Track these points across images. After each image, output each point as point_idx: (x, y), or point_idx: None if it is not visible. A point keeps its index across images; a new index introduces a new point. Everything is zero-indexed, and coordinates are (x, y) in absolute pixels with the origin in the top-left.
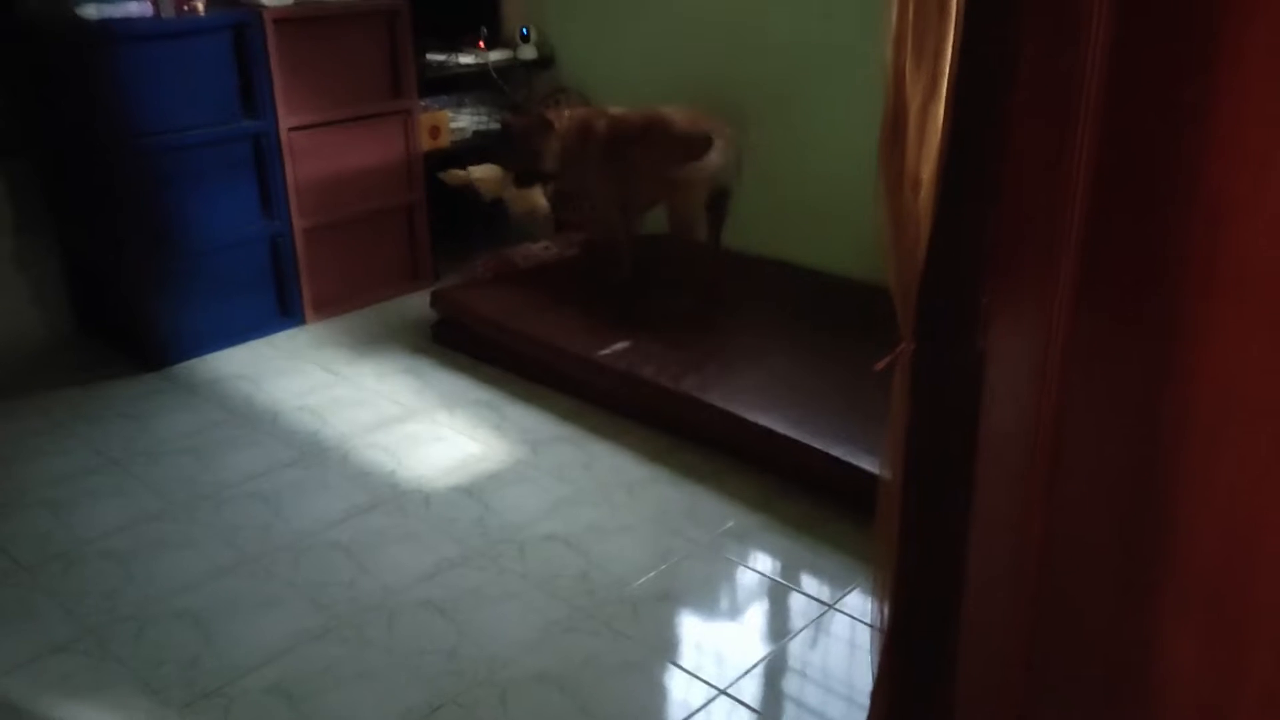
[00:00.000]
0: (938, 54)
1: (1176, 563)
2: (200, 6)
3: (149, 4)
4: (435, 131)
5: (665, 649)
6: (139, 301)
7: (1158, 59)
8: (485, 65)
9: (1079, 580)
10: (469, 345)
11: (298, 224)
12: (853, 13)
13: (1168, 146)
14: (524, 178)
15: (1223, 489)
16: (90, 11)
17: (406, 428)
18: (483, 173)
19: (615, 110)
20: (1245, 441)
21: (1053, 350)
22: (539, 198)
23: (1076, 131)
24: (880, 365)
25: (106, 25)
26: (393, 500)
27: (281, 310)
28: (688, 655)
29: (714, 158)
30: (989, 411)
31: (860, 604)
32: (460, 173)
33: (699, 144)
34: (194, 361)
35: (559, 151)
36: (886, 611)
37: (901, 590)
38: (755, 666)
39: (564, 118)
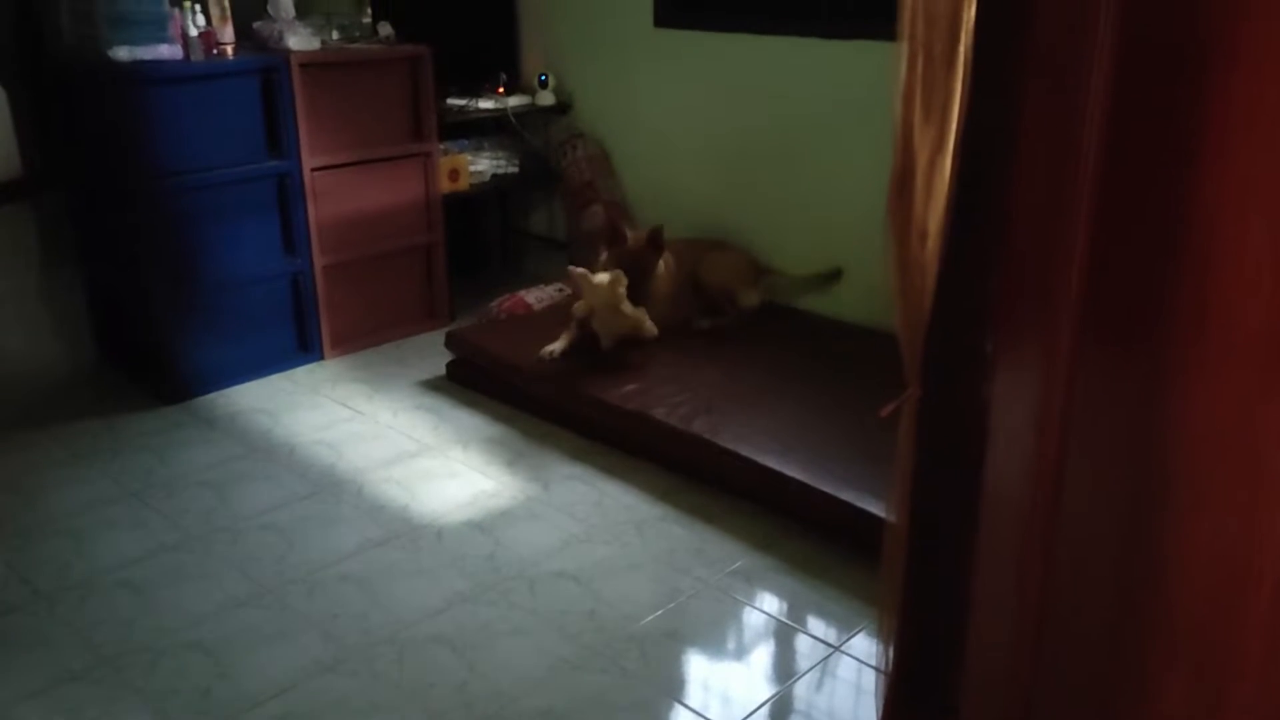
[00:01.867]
0: (945, 110)
1: (1167, 603)
2: (229, 50)
3: (179, 47)
4: (455, 174)
5: (672, 688)
6: (161, 336)
7: (1150, 126)
8: (504, 110)
9: (1077, 623)
10: (483, 384)
11: (318, 262)
12: (863, 69)
13: (1161, 204)
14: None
15: (1209, 532)
16: (122, 54)
17: (421, 463)
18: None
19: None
20: (1229, 487)
21: (1053, 398)
22: (643, 317)
23: (1075, 188)
24: (886, 411)
25: (138, 67)
26: (406, 535)
27: (300, 346)
28: (694, 695)
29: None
30: (993, 457)
31: (866, 647)
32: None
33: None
34: (214, 395)
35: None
36: (892, 655)
37: (907, 634)
38: (761, 707)
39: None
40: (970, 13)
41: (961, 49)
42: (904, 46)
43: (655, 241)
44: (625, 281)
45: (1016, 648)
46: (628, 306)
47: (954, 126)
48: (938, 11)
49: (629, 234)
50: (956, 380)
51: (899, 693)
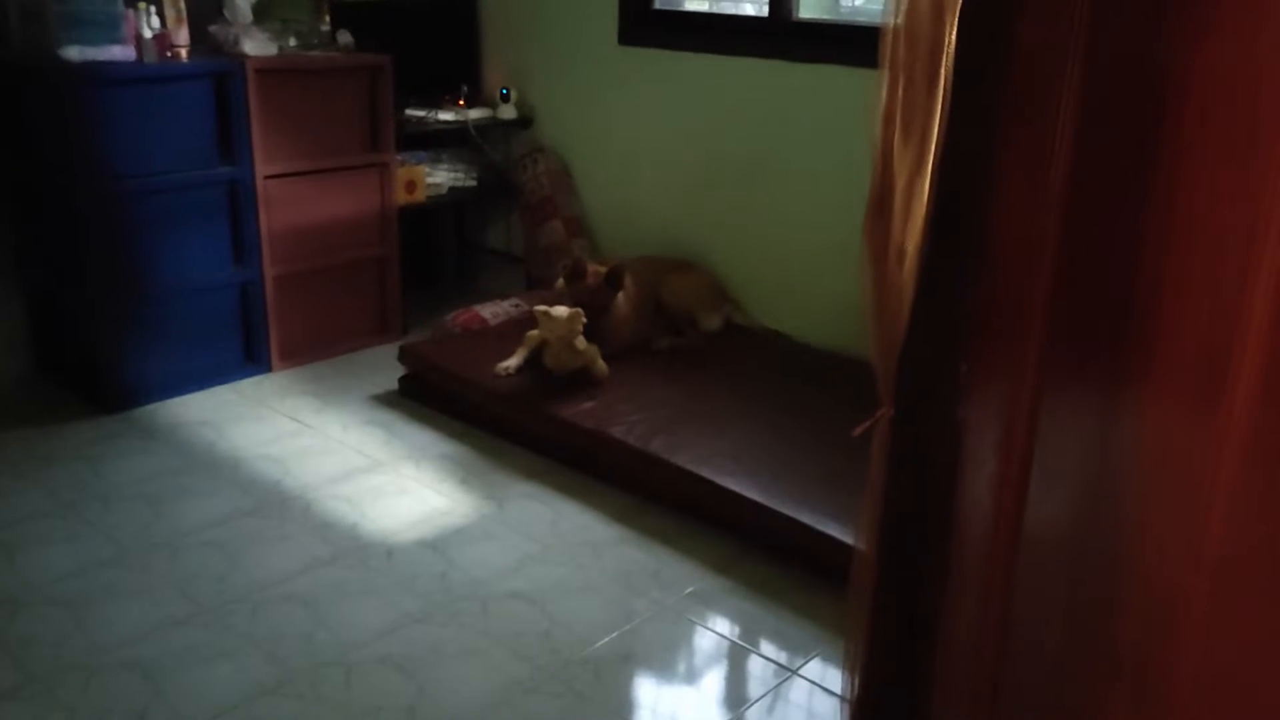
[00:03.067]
0: (924, 132)
1: (1112, 628)
2: (184, 53)
3: (133, 48)
4: (411, 186)
5: (626, 712)
6: (101, 343)
7: (1109, 160)
8: (465, 123)
9: (1036, 648)
10: (437, 399)
11: (269, 272)
12: (828, 93)
13: (1120, 232)
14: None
15: (1151, 553)
16: (73, 53)
17: (371, 480)
18: (557, 314)
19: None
20: (1169, 508)
21: (1018, 421)
22: (595, 356)
23: (1043, 214)
24: (859, 430)
25: (89, 67)
26: (354, 553)
27: (247, 357)
28: (649, 719)
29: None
30: (961, 479)
31: (822, 671)
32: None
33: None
34: (155, 406)
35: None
36: (856, 683)
37: (872, 662)
38: None
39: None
40: (952, 36)
41: (942, 73)
42: (884, 69)
43: (614, 280)
44: (583, 319)
45: (979, 674)
46: (581, 343)
47: (933, 149)
48: (919, 35)
49: (590, 269)
50: (929, 400)
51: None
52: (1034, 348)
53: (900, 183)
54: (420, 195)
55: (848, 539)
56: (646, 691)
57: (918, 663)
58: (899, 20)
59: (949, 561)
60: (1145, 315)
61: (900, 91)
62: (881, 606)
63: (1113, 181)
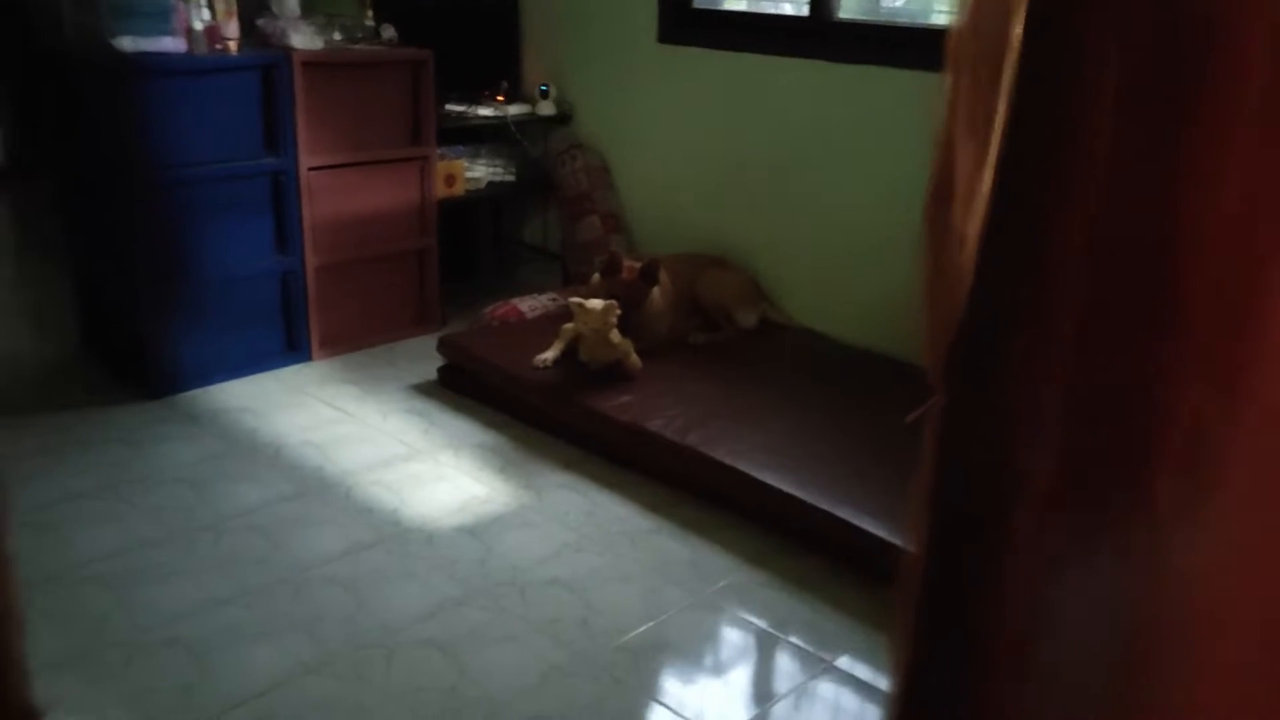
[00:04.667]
0: (987, 123)
1: (1148, 644)
2: (233, 46)
3: (183, 40)
4: (451, 179)
5: (665, 699)
6: (147, 329)
7: (1139, 167)
8: (504, 118)
9: (1081, 657)
10: (474, 390)
11: (311, 262)
12: (869, 94)
13: (1149, 234)
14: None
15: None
16: (126, 44)
17: (410, 467)
18: (593, 306)
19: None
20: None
21: (1050, 408)
22: (630, 349)
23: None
24: (912, 418)
25: (141, 58)
26: (395, 538)
27: (288, 345)
28: (687, 706)
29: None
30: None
31: (857, 665)
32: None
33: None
34: (197, 392)
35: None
36: (899, 685)
37: (918, 665)
38: None
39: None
40: (1018, 29)
41: (1007, 65)
42: (949, 60)
43: (649, 275)
44: (618, 311)
45: (1024, 680)
46: (616, 336)
47: (995, 140)
48: (985, 27)
49: (625, 264)
50: (986, 386)
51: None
52: (1068, 335)
53: (963, 172)
54: (459, 189)
55: (882, 533)
56: (683, 680)
57: (967, 666)
58: (965, 9)
59: (1002, 563)
60: (1169, 302)
61: (965, 82)
62: (930, 610)
63: (1142, 180)
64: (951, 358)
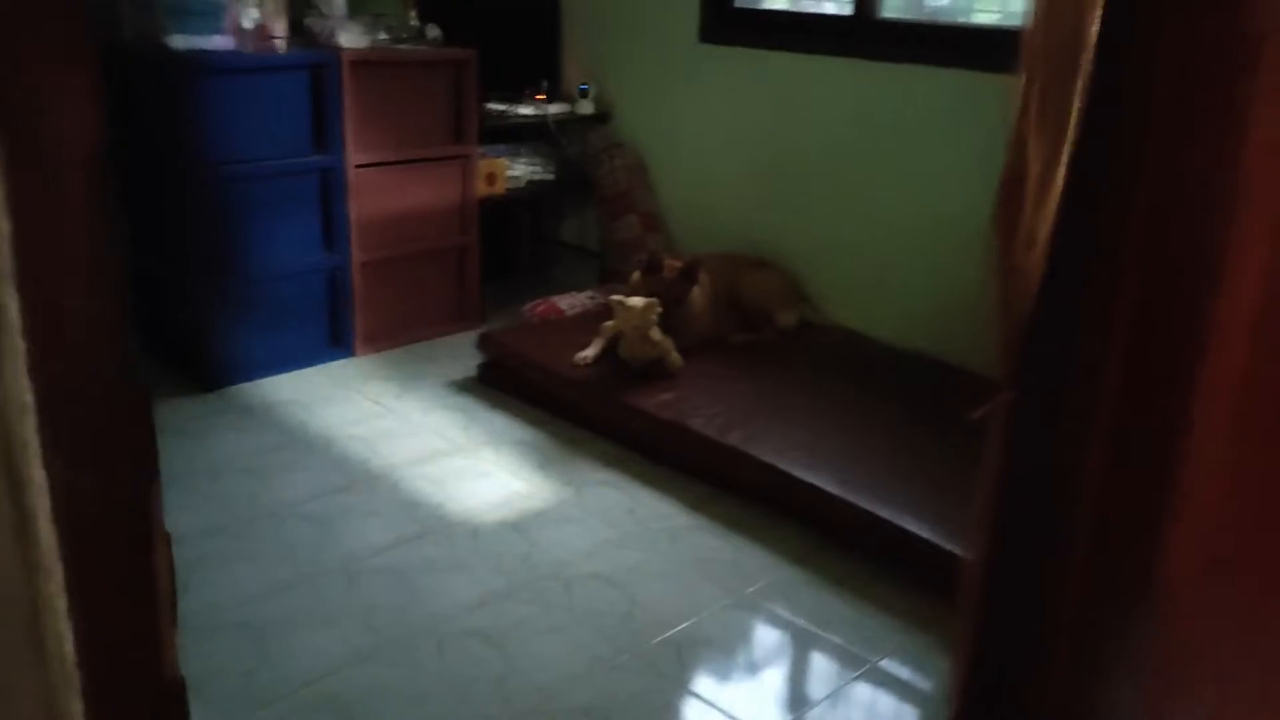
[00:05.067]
0: (1060, 123)
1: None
2: (281, 45)
3: (233, 39)
4: (492, 178)
5: (709, 693)
6: (199, 323)
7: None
8: (544, 117)
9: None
10: (514, 387)
11: (356, 258)
12: (912, 93)
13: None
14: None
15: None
16: (179, 42)
17: (453, 462)
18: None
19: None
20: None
21: (1105, 406)
22: (670, 348)
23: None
24: (978, 414)
25: (194, 55)
26: (441, 531)
27: (333, 341)
28: (731, 701)
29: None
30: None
31: (900, 666)
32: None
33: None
34: (247, 385)
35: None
36: (958, 696)
37: (977, 675)
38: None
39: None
40: (1093, 30)
41: (1081, 65)
42: (1023, 61)
43: (690, 274)
44: (659, 309)
45: (1085, 677)
46: (656, 334)
47: (1068, 140)
48: (1059, 27)
49: (666, 263)
50: (1054, 385)
51: None
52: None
53: (1034, 171)
54: (500, 188)
55: (925, 533)
56: (724, 677)
57: (1024, 672)
58: (1040, 13)
59: (1068, 559)
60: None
61: (1038, 83)
62: (991, 615)
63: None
64: (1023, 356)
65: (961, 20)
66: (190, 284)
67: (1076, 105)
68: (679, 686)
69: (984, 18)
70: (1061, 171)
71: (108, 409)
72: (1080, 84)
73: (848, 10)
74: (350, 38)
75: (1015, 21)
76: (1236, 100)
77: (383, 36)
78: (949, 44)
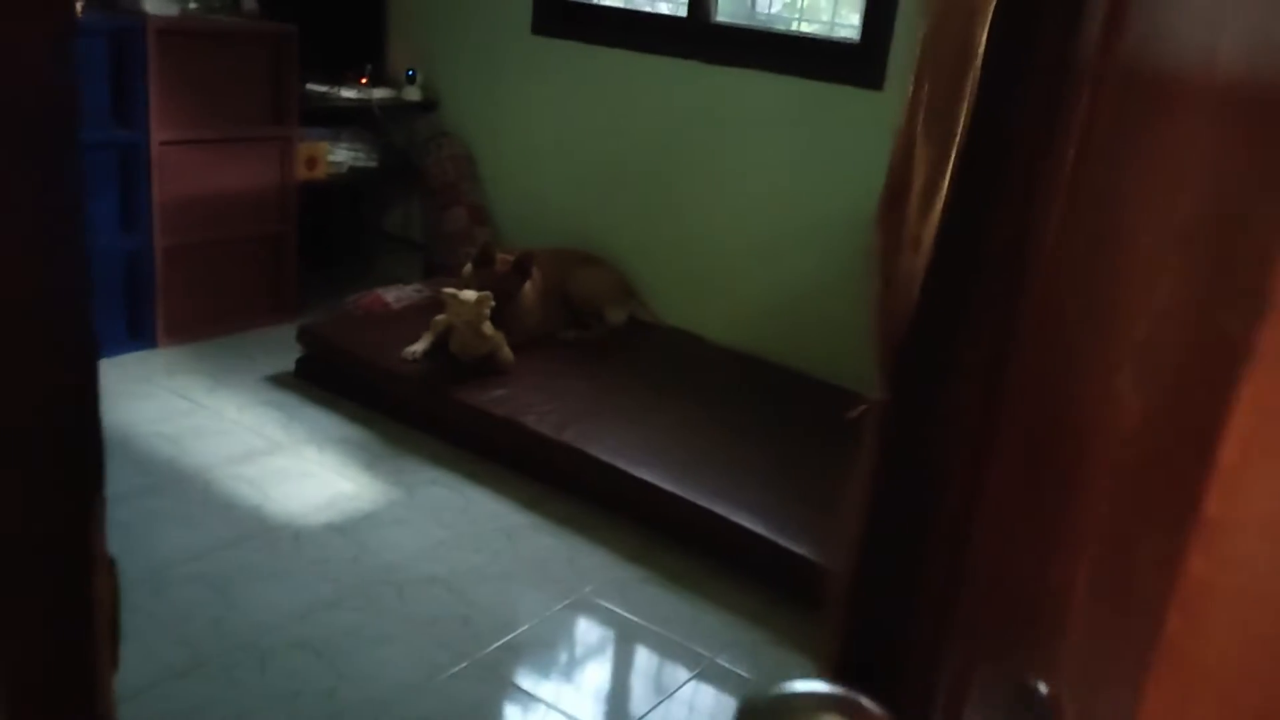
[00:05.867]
0: (948, 132)
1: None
2: (78, 8)
3: None
4: (312, 163)
5: (551, 698)
6: None
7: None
8: (368, 102)
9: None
10: (337, 382)
11: (159, 242)
12: (743, 97)
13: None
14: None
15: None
16: None
17: (272, 462)
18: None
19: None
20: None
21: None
22: (502, 342)
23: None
24: (854, 414)
25: None
26: (260, 535)
27: (131, 332)
28: (576, 705)
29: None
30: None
31: (739, 661)
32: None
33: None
34: None
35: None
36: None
37: (848, 659)
38: (643, 719)
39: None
40: (982, 37)
41: (970, 73)
42: (916, 64)
43: (523, 268)
44: (491, 302)
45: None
46: (488, 328)
47: (955, 148)
48: (949, 35)
49: (498, 257)
50: (929, 388)
51: None
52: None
53: (919, 178)
54: (321, 172)
55: (759, 529)
56: (568, 679)
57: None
58: (930, 20)
59: (935, 557)
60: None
61: (925, 89)
62: (863, 605)
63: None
64: (900, 359)
65: (793, 29)
66: None
67: (964, 115)
68: (521, 693)
69: (808, 28)
70: (947, 179)
71: (40, 414)
72: (968, 93)
73: (682, 12)
74: (157, 4)
75: (841, 34)
76: (1130, 105)
77: (192, 6)
78: (780, 51)
